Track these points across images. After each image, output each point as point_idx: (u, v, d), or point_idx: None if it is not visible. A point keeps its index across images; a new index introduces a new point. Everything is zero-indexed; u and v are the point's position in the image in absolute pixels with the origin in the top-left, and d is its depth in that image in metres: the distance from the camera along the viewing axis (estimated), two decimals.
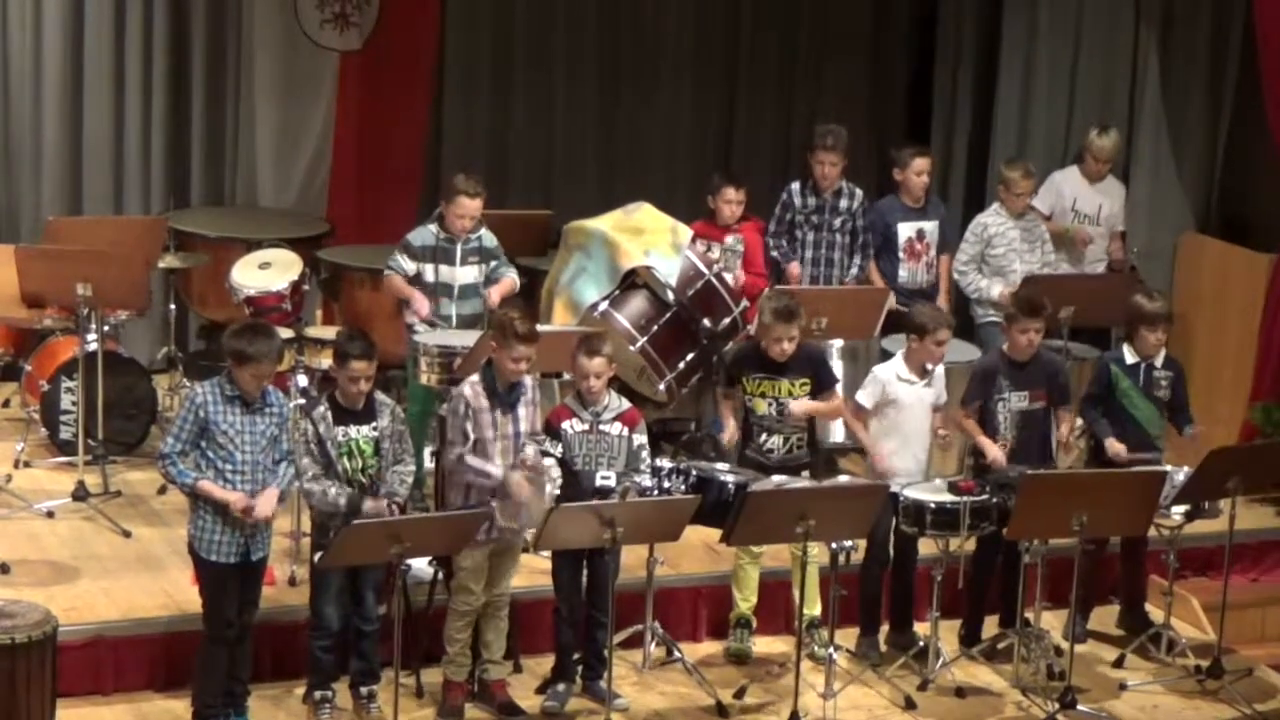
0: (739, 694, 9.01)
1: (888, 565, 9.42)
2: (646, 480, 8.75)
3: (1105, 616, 9.98)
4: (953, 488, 9.08)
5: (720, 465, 9.17)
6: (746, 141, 13.60)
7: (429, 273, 9.97)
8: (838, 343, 10.72)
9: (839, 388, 9.62)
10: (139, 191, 12.15)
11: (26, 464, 10.53)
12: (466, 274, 10.00)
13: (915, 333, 9.39)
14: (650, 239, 10.44)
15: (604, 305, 10.31)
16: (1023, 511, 8.74)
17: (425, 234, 10.03)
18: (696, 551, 9.69)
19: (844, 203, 11.18)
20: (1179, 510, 9.30)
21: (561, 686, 8.86)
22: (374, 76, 12.36)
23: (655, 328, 10.23)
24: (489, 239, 10.07)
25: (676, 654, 9.14)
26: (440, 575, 8.91)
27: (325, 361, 9.57)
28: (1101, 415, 9.65)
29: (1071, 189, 11.77)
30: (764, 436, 9.26)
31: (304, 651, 8.62)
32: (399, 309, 10.08)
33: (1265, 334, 11.27)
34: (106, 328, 10.34)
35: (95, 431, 10.18)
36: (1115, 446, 9.51)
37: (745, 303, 10.32)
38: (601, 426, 8.77)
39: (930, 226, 11.32)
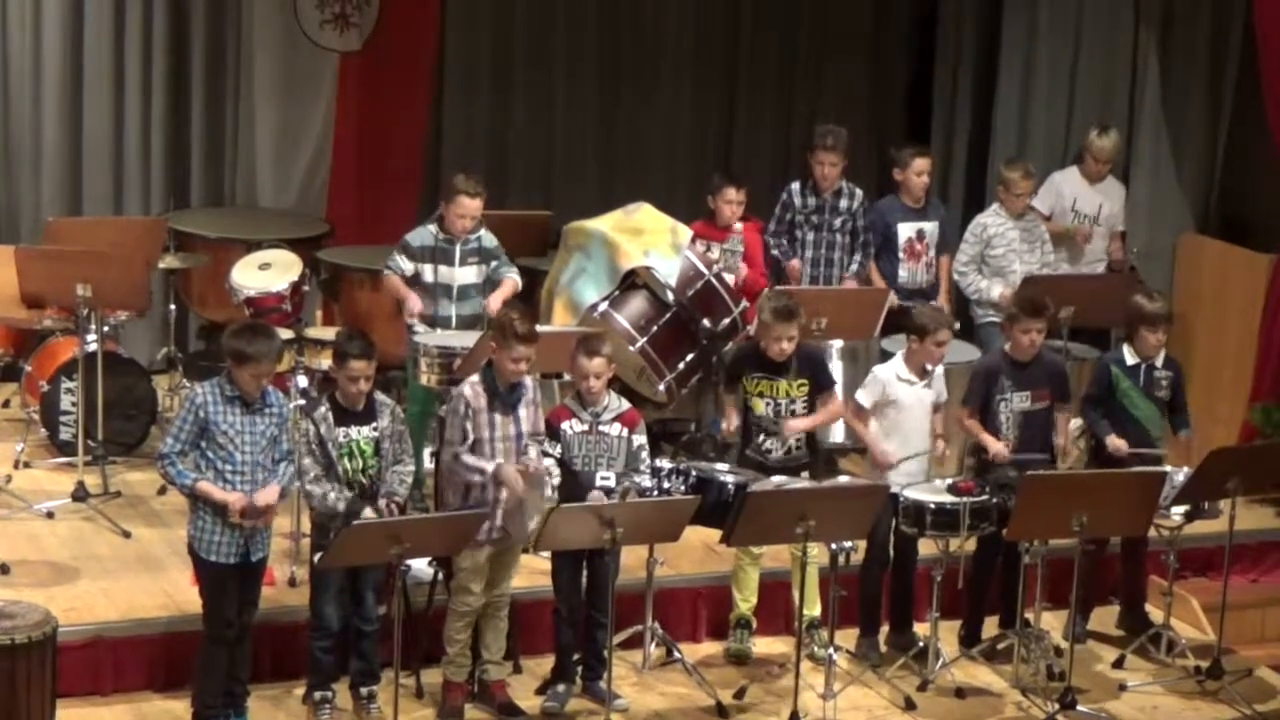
0: (739, 695, 9.01)
1: (888, 566, 9.42)
2: (646, 481, 8.75)
3: (1105, 617, 9.98)
4: (952, 488, 9.08)
5: (720, 466, 9.18)
6: (746, 141, 13.60)
7: (427, 273, 9.97)
8: (837, 343, 10.73)
9: (838, 389, 9.62)
10: (139, 192, 12.15)
11: (26, 464, 10.53)
12: (466, 274, 9.99)
13: (916, 333, 9.39)
14: (650, 239, 10.44)
15: (604, 306, 10.31)
16: (1023, 512, 8.74)
17: (424, 234, 10.03)
18: (696, 552, 9.69)
19: (844, 203, 11.19)
20: (1179, 511, 9.31)
21: (561, 687, 8.86)
22: (374, 77, 12.36)
23: (655, 328, 10.23)
24: (489, 239, 10.07)
25: (676, 654, 9.14)
26: (440, 576, 8.91)
27: (325, 362, 9.57)
28: (1102, 416, 9.65)
29: (1071, 189, 11.77)
30: (762, 437, 9.26)
31: (304, 652, 8.62)
32: (399, 309, 10.08)
33: (1265, 334, 11.27)
34: (106, 328, 10.34)
35: (95, 432, 10.18)
36: (1116, 442, 9.51)
37: (745, 303, 10.32)
38: (601, 427, 8.77)
39: (930, 227, 11.32)
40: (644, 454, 8.84)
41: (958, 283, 11.31)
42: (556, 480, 8.63)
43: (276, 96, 12.32)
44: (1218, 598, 9.52)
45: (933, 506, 9.04)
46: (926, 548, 9.39)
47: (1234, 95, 12.00)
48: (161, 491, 10.11)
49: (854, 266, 11.18)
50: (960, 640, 9.59)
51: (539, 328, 8.83)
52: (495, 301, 9.85)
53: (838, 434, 10.64)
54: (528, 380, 8.65)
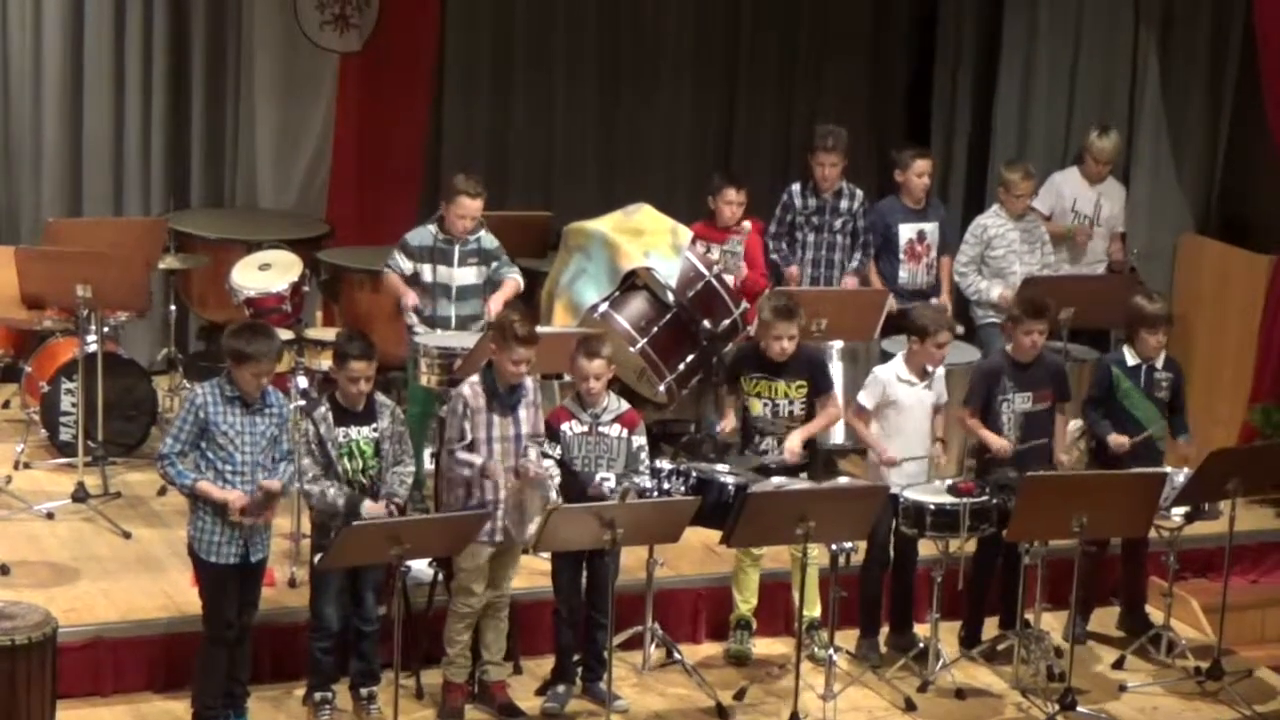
0: (739, 695, 9.01)
1: (888, 567, 9.42)
2: (646, 481, 8.75)
3: (1105, 618, 9.98)
4: (952, 489, 9.08)
5: (720, 467, 9.17)
6: (746, 142, 13.60)
7: (426, 273, 9.96)
8: (837, 344, 10.73)
9: (838, 390, 9.61)
10: (139, 192, 12.15)
11: (26, 465, 10.53)
12: (465, 275, 9.99)
13: (916, 334, 9.40)
14: (650, 240, 10.44)
15: (604, 307, 10.31)
16: (1023, 513, 8.74)
17: (424, 234, 10.03)
18: (696, 553, 9.69)
19: (844, 203, 11.19)
20: (1179, 512, 9.30)
21: (561, 688, 8.86)
22: (374, 78, 12.36)
23: (655, 329, 10.23)
24: (489, 240, 10.06)
25: (676, 655, 9.13)
26: (440, 576, 8.91)
27: (325, 363, 9.57)
28: (1102, 417, 9.65)
29: (1071, 190, 11.76)
30: (758, 438, 9.26)
31: (304, 653, 8.62)
32: (399, 310, 10.07)
33: (1265, 335, 11.27)
34: (106, 329, 10.34)
35: (95, 433, 10.18)
36: (1118, 438, 9.51)
37: (745, 304, 10.32)
38: (601, 428, 8.77)
39: (931, 228, 11.32)
40: (644, 455, 8.85)
41: (958, 284, 11.31)
42: (558, 482, 8.62)
43: (276, 97, 12.32)
44: (1218, 599, 9.52)
45: (933, 507, 9.04)
46: (927, 549, 9.39)
47: (1234, 95, 12.01)
48: (162, 492, 10.11)
49: (854, 264, 11.18)
50: (960, 641, 9.59)
51: (539, 329, 8.83)
52: (496, 303, 9.85)
53: (837, 435, 10.63)
54: (528, 381, 8.65)
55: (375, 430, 8.48)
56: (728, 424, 9.41)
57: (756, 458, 9.20)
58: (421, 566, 8.95)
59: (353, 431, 8.45)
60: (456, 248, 9.97)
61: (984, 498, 9.07)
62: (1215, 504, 9.34)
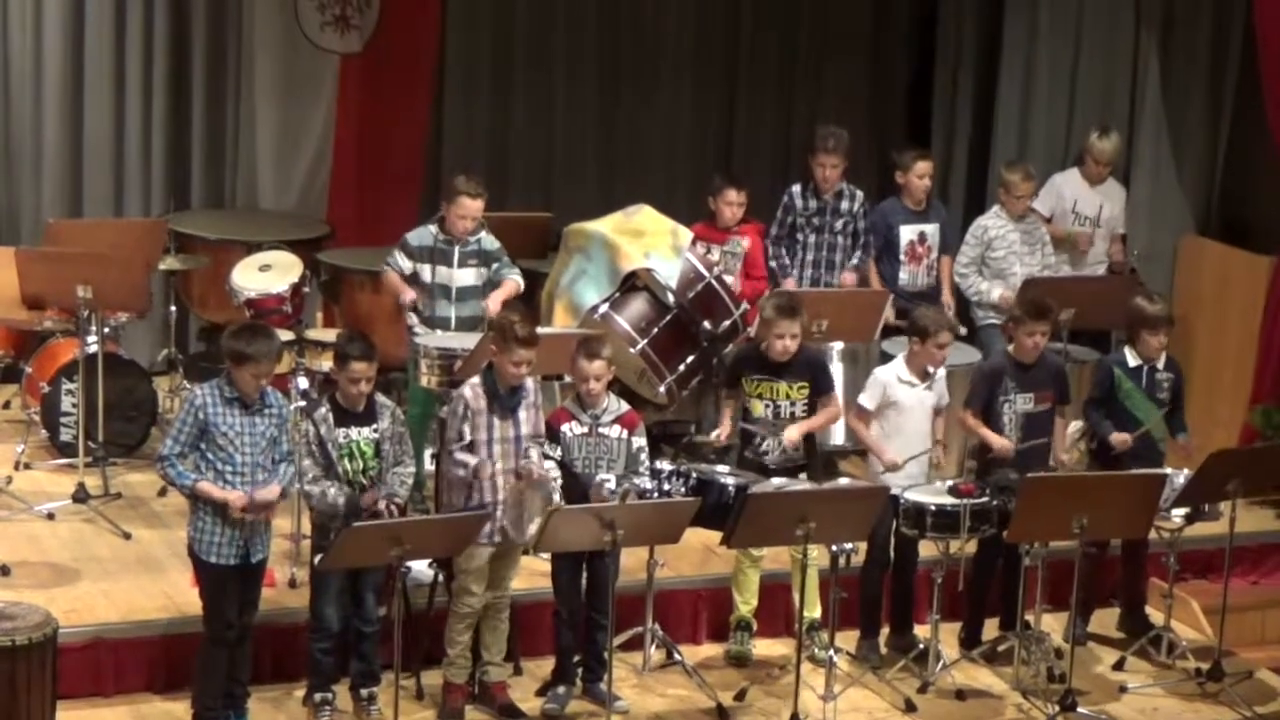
0: (739, 696, 9.01)
1: (888, 567, 9.42)
2: (646, 482, 8.75)
3: (1105, 619, 9.97)
4: (953, 490, 9.08)
5: (720, 468, 9.17)
6: (746, 142, 13.60)
7: (426, 273, 9.96)
8: (838, 345, 10.73)
9: (839, 391, 9.61)
10: (139, 193, 12.15)
11: (27, 466, 10.53)
12: (465, 276, 9.99)
13: (917, 335, 9.40)
14: (650, 241, 10.44)
15: (604, 308, 10.31)
16: (1023, 514, 8.74)
17: (424, 234, 10.03)
18: (696, 554, 9.69)
19: (845, 204, 11.19)
20: (1179, 513, 9.30)
21: (562, 689, 8.86)
22: (374, 78, 12.35)
23: (655, 330, 10.23)
24: (489, 241, 10.06)
25: (677, 656, 9.13)
26: (440, 577, 8.91)
27: (326, 364, 9.57)
28: (1104, 417, 9.65)
29: (1072, 191, 11.76)
30: (759, 440, 9.26)
31: (304, 653, 8.62)
32: (399, 310, 10.08)
33: (1265, 336, 11.27)
34: (107, 330, 10.34)
35: (95, 433, 10.18)
36: (1120, 436, 9.52)
37: (745, 305, 10.32)
38: (601, 429, 8.77)
39: (931, 229, 11.32)
40: (644, 456, 8.85)
41: (958, 285, 11.31)
42: (559, 484, 8.62)
43: (277, 98, 12.32)
44: (1218, 600, 9.52)
45: (933, 508, 9.04)
46: (927, 549, 9.39)
47: (1234, 97, 12.02)
48: (162, 493, 10.11)
49: (853, 260, 11.17)
50: (960, 642, 9.59)
51: (539, 330, 8.83)
52: (495, 302, 9.85)
53: (838, 436, 10.64)
54: (529, 383, 8.65)
55: (376, 431, 8.48)
56: (724, 431, 9.39)
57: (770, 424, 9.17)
58: (421, 567, 8.95)
59: (353, 432, 8.45)
60: (457, 249, 9.97)
61: (984, 499, 9.07)
62: (1215, 505, 9.34)
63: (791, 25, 13.61)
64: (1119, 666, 9.64)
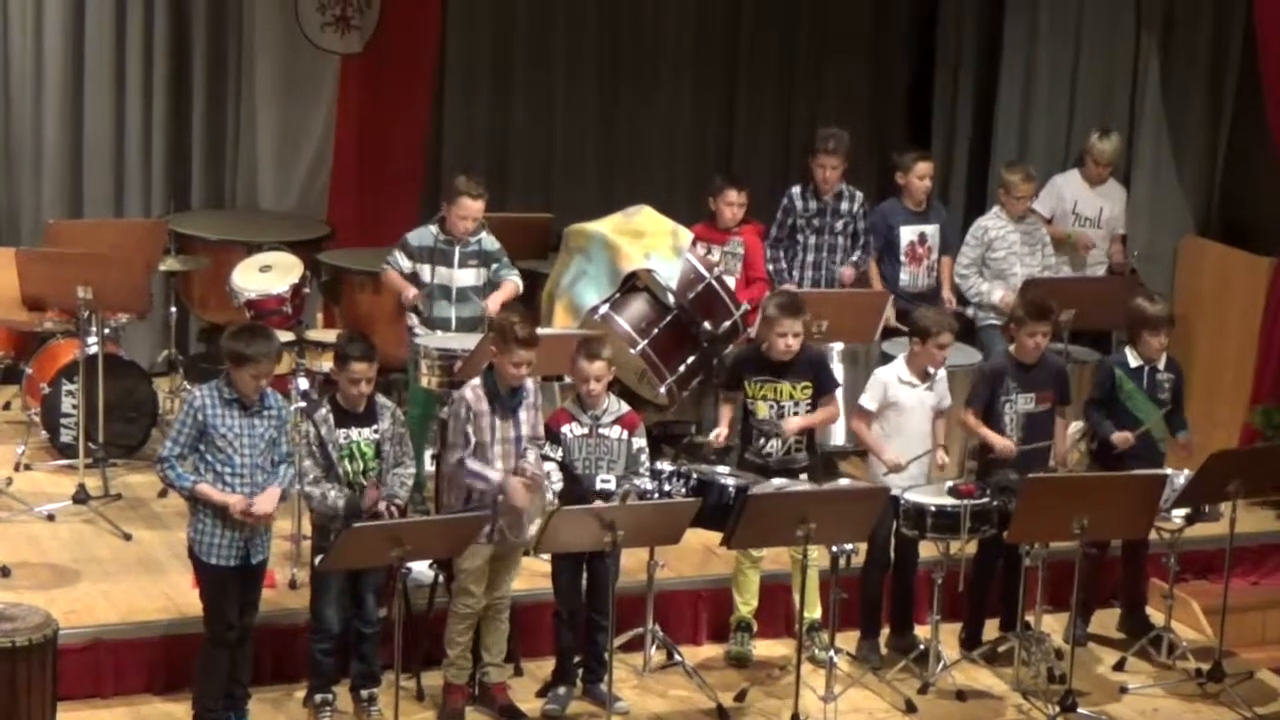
0: (739, 697, 9.01)
1: (888, 568, 9.42)
2: (646, 483, 8.75)
3: (1106, 619, 9.98)
4: (953, 491, 9.08)
5: (721, 468, 9.17)
6: (746, 142, 13.60)
7: (426, 273, 9.96)
8: (838, 345, 10.73)
9: (839, 392, 9.62)
10: (139, 194, 12.15)
11: (27, 467, 10.53)
12: (465, 276, 9.99)
13: (918, 336, 9.40)
14: (651, 242, 10.43)
15: (604, 308, 10.30)
16: (1023, 514, 8.74)
17: (424, 234, 10.03)
18: (697, 554, 9.69)
19: (845, 205, 11.18)
20: (1180, 513, 9.30)
21: (562, 690, 8.86)
22: (375, 79, 12.35)
23: (656, 331, 10.23)
24: (490, 242, 10.06)
25: (677, 657, 9.13)
26: (441, 578, 8.91)
27: (326, 365, 9.57)
28: (1105, 417, 9.65)
29: (1072, 192, 11.76)
30: (762, 440, 9.25)
31: (304, 654, 8.63)
32: (399, 311, 10.08)
33: (1265, 337, 11.27)
34: (107, 330, 10.34)
35: (96, 434, 10.18)
36: (1121, 435, 9.52)
37: (746, 305, 10.32)
38: (601, 430, 8.77)
39: (932, 230, 11.32)
40: (644, 456, 8.84)
41: (958, 285, 11.30)
42: (558, 486, 8.62)
43: (277, 99, 12.32)
44: (1218, 600, 9.52)
45: (933, 509, 9.04)
46: (927, 550, 9.39)
47: (1235, 98, 12.01)
48: (162, 494, 10.11)
49: (853, 257, 11.16)
50: (961, 643, 9.59)
51: (539, 331, 8.83)
52: (494, 303, 9.85)
53: (838, 436, 10.64)
54: (529, 383, 8.65)
55: (376, 432, 8.48)
56: (723, 432, 9.38)
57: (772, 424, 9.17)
58: (422, 568, 8.95)
59: (353, 433, 8.45)
60: (457, 249, 9.97)
61: (984, 499, 9.07)
62: (1216, 506, 9.34)
63: (791, 25, 13.62)
64: (1119, 667, 9.64)
